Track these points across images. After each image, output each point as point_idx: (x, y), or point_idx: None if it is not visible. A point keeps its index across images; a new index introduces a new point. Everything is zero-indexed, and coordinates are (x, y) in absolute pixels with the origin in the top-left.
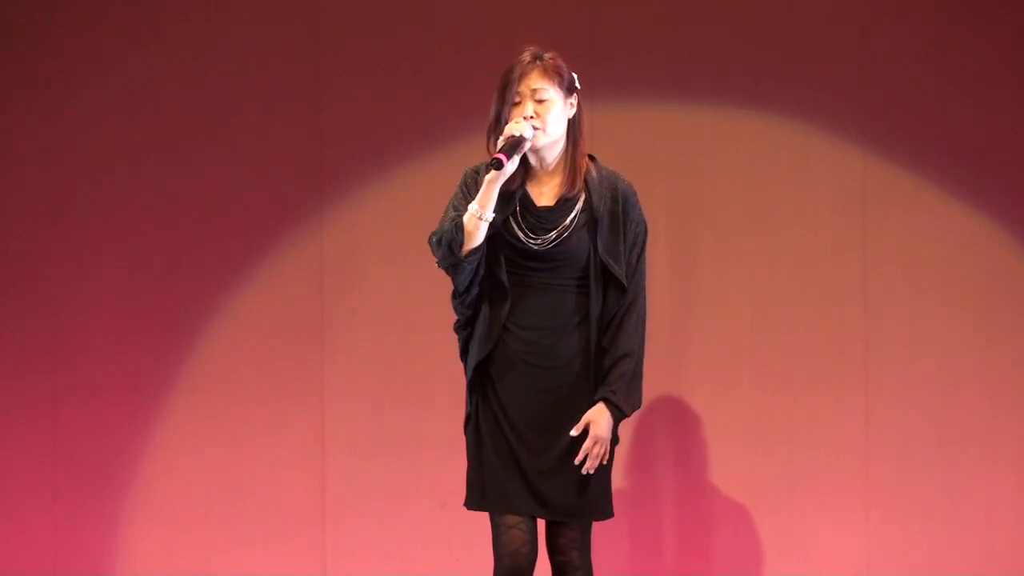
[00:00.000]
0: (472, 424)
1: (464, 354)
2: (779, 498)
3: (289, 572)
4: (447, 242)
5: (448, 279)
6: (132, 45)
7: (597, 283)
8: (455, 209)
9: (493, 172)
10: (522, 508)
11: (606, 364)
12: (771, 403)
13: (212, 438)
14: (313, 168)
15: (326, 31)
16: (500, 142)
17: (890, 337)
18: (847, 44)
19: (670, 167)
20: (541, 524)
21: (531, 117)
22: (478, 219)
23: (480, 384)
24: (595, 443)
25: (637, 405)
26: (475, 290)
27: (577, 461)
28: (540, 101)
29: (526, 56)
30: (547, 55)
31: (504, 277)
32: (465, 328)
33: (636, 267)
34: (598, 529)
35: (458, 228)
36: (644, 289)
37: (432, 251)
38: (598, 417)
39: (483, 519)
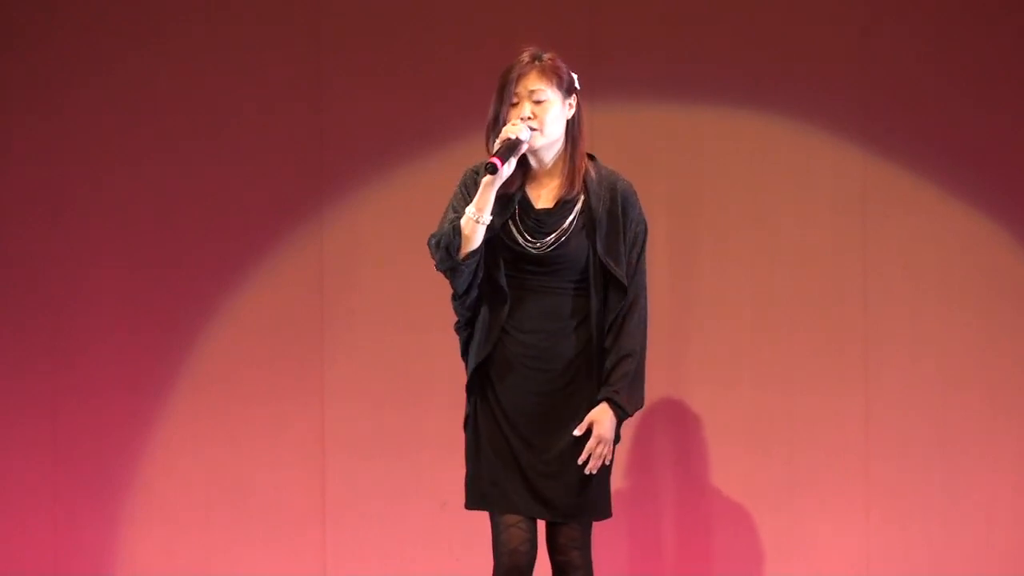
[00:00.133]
0: (471, 424)
1: (465, 354)
2: (779, 498)
3: (289, 572)
4: (444, 245)
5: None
6: (132, 45)
7: (597, 285)
8: (454, 210)
9: (488, 176)
10: (522, 508)
11: (608, 364)
12: (771, 403)
13: (212, 438)
14: (313, 168)
15: (326, 31)
16: (496, 145)
17: (890, 337)
18: (847, 44)
19: (670, 167)
20: (541, 524)
21: (528, 118)
22: (475, 222)
23: (479, 385)
24: (598, 443)
25: (639, 405)
26: (474, 292)
27: (580, 461)
28: (538, 102)
29: (524, 57)
30: (546, 56)
31: (503, 280)
32: (465, 329)
33: (636, 267)
34: (598, 529)
35: (455, 231)
36: (645, 289)
37: (431, 253)
38: (601, 417)
39: (483, 519)
